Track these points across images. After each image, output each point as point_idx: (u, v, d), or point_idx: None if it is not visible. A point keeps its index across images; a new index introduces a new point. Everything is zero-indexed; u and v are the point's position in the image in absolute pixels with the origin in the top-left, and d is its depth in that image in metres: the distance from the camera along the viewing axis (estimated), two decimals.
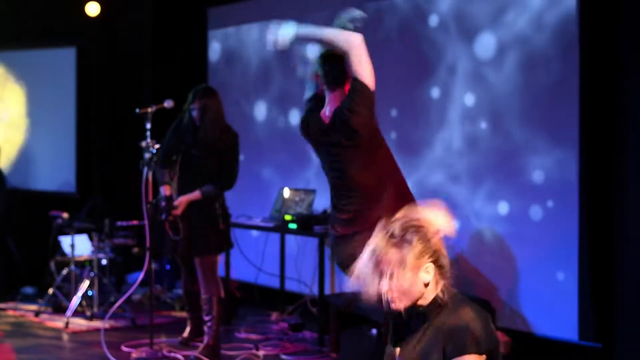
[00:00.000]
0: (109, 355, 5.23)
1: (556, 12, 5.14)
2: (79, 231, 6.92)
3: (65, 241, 6.95)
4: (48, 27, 8.35)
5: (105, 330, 5.70)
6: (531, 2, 5.26)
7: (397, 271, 2.38)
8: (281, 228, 6.25)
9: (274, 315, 6.55)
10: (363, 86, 3.75)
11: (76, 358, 5.55)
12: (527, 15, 5.28)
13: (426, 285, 2.41)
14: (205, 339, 5.31)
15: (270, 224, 6.35)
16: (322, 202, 6.48)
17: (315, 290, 6.18)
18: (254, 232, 7.19)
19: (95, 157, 8.44)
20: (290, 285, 6.84)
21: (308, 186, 6.66)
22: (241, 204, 7.31)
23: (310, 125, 4.05)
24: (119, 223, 6.96)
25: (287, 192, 6.52)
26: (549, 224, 5.21)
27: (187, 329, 5.73)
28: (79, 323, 6.36)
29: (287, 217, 6.09)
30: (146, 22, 8.14)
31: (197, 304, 5.52)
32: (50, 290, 6.74)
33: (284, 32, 3.80)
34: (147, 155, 5.37)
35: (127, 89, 8.20)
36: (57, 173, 8.53)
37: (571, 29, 5.06)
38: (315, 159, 6.93)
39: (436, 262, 2.41)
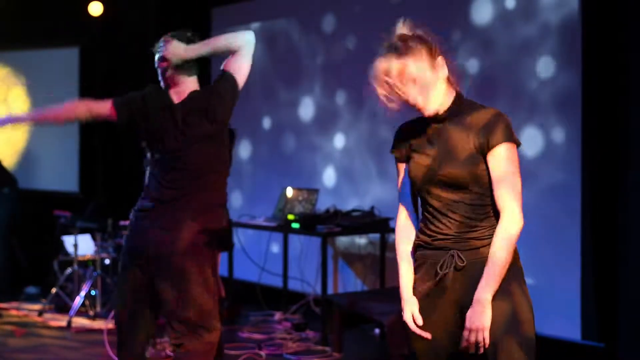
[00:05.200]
0: (111, 354, 5.23)
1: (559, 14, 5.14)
2: (82, 231, 6.93)
3: (68, 241, 6.96)
4: (51, 27, 8.36)
5: (108, 329, 5.70)
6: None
7: (417, 75, 2.49)
8: (284, 227, 6.25)
9: (277, 315, 6.55)
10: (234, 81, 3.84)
11: (79, 357, 5.55)
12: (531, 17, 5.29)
13: (447, 81, 2.55)
14: None
15: (273, 224, 6.35)
16: (326, 201, 6.48)
17: (319, 290, 6.18)
18: (257, 232, 7.19)
19: (99, 157, 8.44)
20: (293, 285, 6.84)
21: (311, 185, 6.66)
22: (244, 204, 7.33)
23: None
24: (122, 223, 6.96)
25: (290, 192, 6.52)
26: (551, 223, 5.21)
27: None
28: (82, 322, 6.37)
29: (290, 217, 6.09)
30: (150, 22, 8.14)
31: None
32: (54, 290, 6.75)
33: (174, 50, 3.78)
34: (149, 155, 5.37)
35: (131, 89, 8.17)
36: (60, 173, 8.54)
37: (574, 31, 5.06)
38: (320, 157, 6.93)
39: (441, 55, 2.55)
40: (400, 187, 2.72)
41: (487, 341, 2.46)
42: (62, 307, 6.69)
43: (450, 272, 2.53)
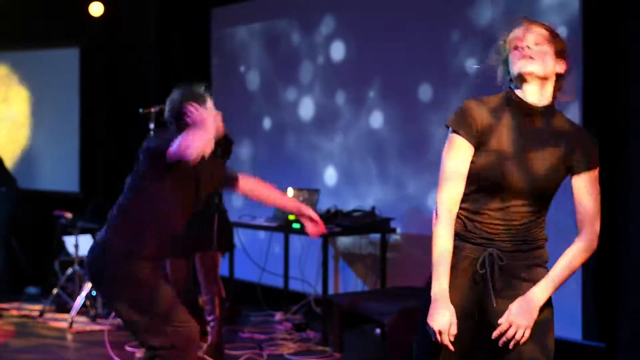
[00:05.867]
0: (112, 355, 5.24)
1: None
2: (83, 231, 6.93)
3: (69, 241, 6.96)
4: (52, 28, 8.36)
5: (109, 330, 5.71)
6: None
7: (544, 44, 2.50)
8: (285, 228, 6.25)
9: (278, 315, 6.55)
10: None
11: (80, 358, 5.56)
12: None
13: (558, 75, 2.52)
14: (209, 339, 5.31)
15: (274, 224, 6.35)
16: (326, 201, 6.48)
17: (319, 290, 6.19)
18: (258, 232, 7.19)
19: (99, 157, 8.44)
20: (294, 285, 6.85)
21: (311, 186, 6.66)
22: (244, 204, 7.32)
23: None
24: None
25: (290, 192, 6.52)
26: (551, 223, 5.20)
27: None
28: (83, 323, 6.37)
29: (291, 217, 6.09)
30: (150, 22, 8.14)
31: (196, 313, 5.54)
32: (54, 290, 6.75)
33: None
34: None
35: (131, 89, 8.20)
36: (60, 173, 8.54)
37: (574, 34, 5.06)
38: (320, 157, 6.93)
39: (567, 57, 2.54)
40: (456, 171, 2.51)
41: (525, 339, 2.46)
42: (62, 308, 6.69)
43: (488, 271, 2.51)
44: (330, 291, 6.20)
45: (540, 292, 2.50)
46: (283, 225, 6.24)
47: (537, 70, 2.48)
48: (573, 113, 5.06)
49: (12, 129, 8.74)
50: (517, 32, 2.54)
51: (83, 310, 6.46)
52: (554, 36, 2.53)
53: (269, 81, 7.40)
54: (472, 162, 2.49)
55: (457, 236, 2.52)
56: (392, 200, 6.27)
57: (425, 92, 5.99)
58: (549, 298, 2.53)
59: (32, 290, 7.51)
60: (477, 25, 5.65)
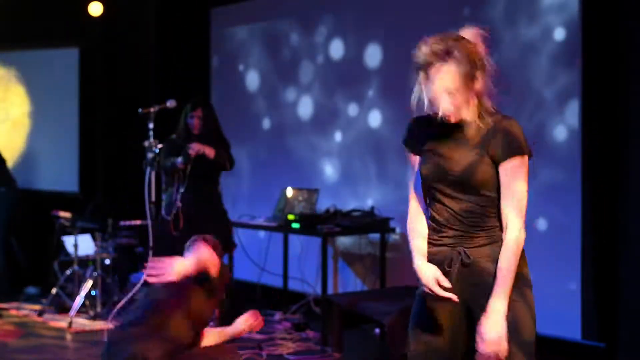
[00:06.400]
0: None
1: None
2: (82, 231, 6.92)
3: (68, 241, 6.95)
4: (51, 28, 8.36)
5: (109, 330, 5.70)
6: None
7: (452, 81, 2.47)
8: (284, 227, 6.25)
9: (278, 315, 6.55)
10: None
11: (79, 358, 5.55)
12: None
13: (478, 93, 2.54)
14: None
15: (274, 224, 6.35)
16: (326, 201, 6.48)
17: (319, 290, 6.18)
18: (257, 232, 7.19)
19: (98, 157, 8.44)
20: (294, 285, 6.84)
21: (311, 185, 6.66)
22: (244, 204, 7.32)
23: None
24: (122, 223, 6.97)
25: (290, 192, 6.52)
26: (552, 224, 5.21)
27: None
28: (83, 323, 6.37)
29: (290, 217, 6.09)
30: (149, 22, 8.14)
31: None
32: (54, 290, 6.74)
33: None
34: (149, 155, 5.40)
35: (130, 89, 8.20)
36: (60, 173, 8.53)
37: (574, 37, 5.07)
38: (320, 157, 6.93)
39: (483, 69, 2.53)
40: (413, 179, 2.75)
41: (506, 348, 2.47)
42: (62, 308, 6.69)
43: (456, 269, 2.56)
44: (330, 291, 6.20)
45: (497, 301, 2.49)
46: (282, 225, 6.24)
47: (452, 112, 2.53)
48: (573, 113, 5.07)
49: (12, 129, 8.74)
50: (425, 74, 2.53)
51: (82, 310, 6.46)
52: (457, 62, 2.48)
53: (268, 81, 7.40)
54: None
55: None
56: (392, 200, 6.27)
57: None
58: (511, 294, 2.51)
59: (31, 290, 7.50)
60: (477, 25, 5.64)
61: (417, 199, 2.73)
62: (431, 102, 2.54)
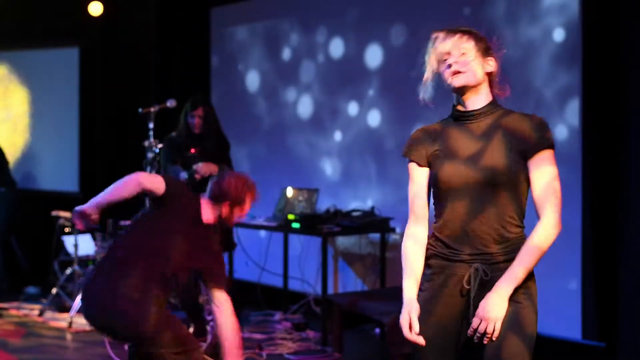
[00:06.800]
0: (112, 354, 5.24)
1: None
2: (82, 231, 6.92)
3: (68, 241, 6.96)
4: (51, 27, 8.36)
5: None
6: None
7: (470, 49, 2.58)
8: (284, 227, 6.25)
9: (277, 315, 6.55)
10: None
11: (80, 357, 5.55)
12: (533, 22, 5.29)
13: (488, 75, 2.60)
14: (209, 338, 5.31)
15: (274, 224, 6.35)
16: (326, 201, 6.48)
17: (319, 290, 6.18)
18: (257, 232, 7.19)
19: (99, 157, 8.44)
20: (294, 285, 6.84)
21: (311, 185, 6.66)
22: None
23: None
24: (122, 222, 6.96)
25: (290, 192, 6.52)
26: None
27: (190, 330, 5.73)
28: (83, 322, 6.36)
29: (291, 217, 6.09)
30: (150, 22, 8.14)
31: (197, 312, 5.54)
32: (54, 290, 6.75)
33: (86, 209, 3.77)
34: (149, 155, 5.39)
35: (130, 89, 8.21)
36: (60, 173, 8.54)
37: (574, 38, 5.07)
38: (320, 157, 6.93)
39: (495, 56, 2.63)
40: (416, 193, 2.73)
41: (497, 333, 2.46)
42: (62, 307, 6.69)
43: (475, 287, 2.55)
44: (330, 291, 6.20)
45: (504, 284, 2.49)
46: (282, 225, 6.24)
47: (467, 82, 2.58)
48: (573, 112, 5.07)
49: (12, 129, 8.74)
50: (440, 46, 2.60)
51: None
52: (476, 38, 2.61)
53: (268, 81, 7.40)
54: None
55: None
56: (392, 199, 6.27)
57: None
58: (523, 288, 2.51)
59: (31, 290, 7.50)
60: (477, 25, 5.64)
61: (418, 221, 2.72)
62: (443, 71, 2.59)
